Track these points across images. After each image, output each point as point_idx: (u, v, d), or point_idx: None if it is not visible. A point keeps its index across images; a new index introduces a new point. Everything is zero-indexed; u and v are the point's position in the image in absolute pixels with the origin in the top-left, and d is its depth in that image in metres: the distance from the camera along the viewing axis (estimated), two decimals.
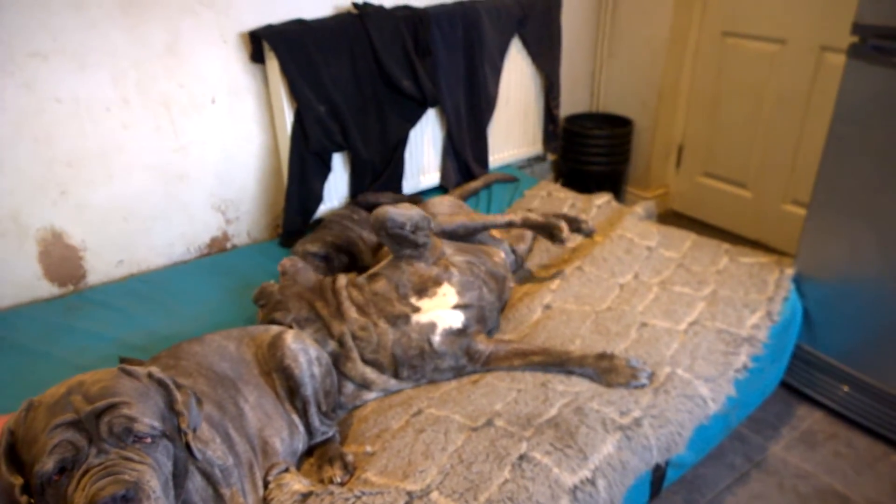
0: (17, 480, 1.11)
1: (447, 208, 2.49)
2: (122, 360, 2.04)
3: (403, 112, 2.86)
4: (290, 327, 1.93)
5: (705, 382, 1.93)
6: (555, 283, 2.43)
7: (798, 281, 2.35)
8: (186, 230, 2.70)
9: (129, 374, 1.24)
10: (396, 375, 1.99)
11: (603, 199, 2.97)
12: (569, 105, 3.74)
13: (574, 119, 3.76)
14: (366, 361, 1.98)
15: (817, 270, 2.32)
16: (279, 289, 2.08)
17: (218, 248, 2.81)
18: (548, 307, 2.28)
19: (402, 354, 1.98)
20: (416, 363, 1.99)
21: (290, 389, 1.76)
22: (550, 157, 3.79)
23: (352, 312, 2.01)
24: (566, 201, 3.01)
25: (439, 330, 2.00)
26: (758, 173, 3.33)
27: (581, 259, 2.53)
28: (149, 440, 1.16)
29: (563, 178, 3.75)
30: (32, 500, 1.12)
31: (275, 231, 2.93)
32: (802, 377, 2.47)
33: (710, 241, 2.59)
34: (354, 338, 1.98)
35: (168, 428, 1.22)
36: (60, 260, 2.43)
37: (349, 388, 1.98)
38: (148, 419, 1.16)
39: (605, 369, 1.92)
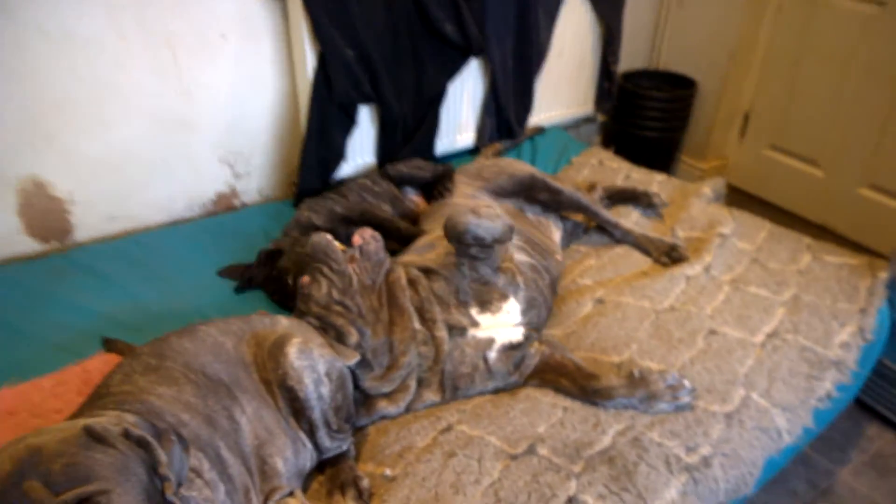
0: None
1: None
2: (106, 342, 1.78)
3: (443, 61, 2.51)
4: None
5: (783, 412, 1.65)
6: (609, 269, 2.13)
7: (890, 287, 2.02)
8: (189, 184, 2.41)
9: (100, 439, 0.95)
10: (438, 396, 1.69)
11: (663, 175, 2.63)
12: (624, 60, 3.33)
13: (629, 76, 3.38)
14: (419, 380, 1.68)
15: None
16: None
17: (225, 206, 2.52)
18: (600, 301, 1.98)
19: (452, 370, 1.67)
20: (461, 384, 1.69)
21: (294, 409, 1.49)
22: (599, 118, 3.42)
23: (415, 322, 1.67)
24: (620, 172, 2.68)
25: (497, 346, 1.70)
26: (834, 151, 2.98)
27: None
28: None
29: (613, 143, 3.38)
30: None
31: (289, 189, 2.63)
32: (877, 393, 2.22)
33: (789, 233, 2.26)
34: (420, 356, 1.66)
35: None
36: (44, 213, 2.15)
37: (380, 407, 1.67)
38: None
39: (641, 398, 1.62)
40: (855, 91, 2.84)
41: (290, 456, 1.45)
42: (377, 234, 1.71)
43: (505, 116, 2.78)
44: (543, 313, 1.87)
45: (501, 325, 1.72)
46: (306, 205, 2.22)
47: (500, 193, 2.19)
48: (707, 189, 2.46)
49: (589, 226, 2.35)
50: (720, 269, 2.08)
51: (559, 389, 1.68)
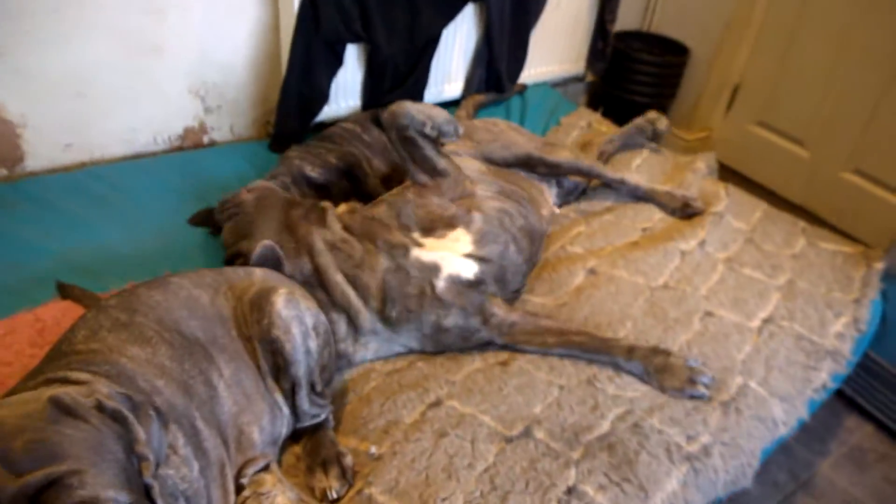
0: None
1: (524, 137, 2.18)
2: (61, 288, 1.60)
3: (440, 4, 2.34)
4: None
5: (780, 402, 1.60)
6: (599, 237, 2.03)
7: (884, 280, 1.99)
8: (155, 115, 2.20)
9: (69, 411, 0.81)
10: (383, 311, 1.59)
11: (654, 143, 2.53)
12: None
13: (621, 37, 3.22)
14: (346, 276, 1.60)
15: None
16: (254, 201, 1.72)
17: (193, 142, 2.32)
18: (592, 272, 1.89)
19: (397, 287, 1.59)
20: (411, 305, 1.59)
21: (277, 366, 1.36)
22: (588, 77, 3.29)
23: (335, 224, 1.64)
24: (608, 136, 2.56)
25: (444, 275, 1.61)
26: (821, 132, 2.91)
27: None
28: None
29: (600, 104, 3.24)
30: None
31: (264, 129, 2.44)
32: (858, 385, 2.18)
33: (784, 216, 2.21)
34: (333, 247, 1.61)
35: (134, 492, 0.81)
36: None
37: (341, 328, 1.59)
38: (112, 491, 0.77)
39: (658, 367, 1.56)
40: (848, 72, 2.75)
41: (266, 424, 1.34)
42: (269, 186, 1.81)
43: (496, 69, 2.63)
44: (512, 255, 1.77)
45: (448, 250, 1.64)
46: (295, 154, 2.02)
47: (493, 161, 2.06)
48: (701, 164, 2.37)
49: (589, 184, 2.28)
50: (715, 245, 2.02)
51: (569, 346, 1.62)
